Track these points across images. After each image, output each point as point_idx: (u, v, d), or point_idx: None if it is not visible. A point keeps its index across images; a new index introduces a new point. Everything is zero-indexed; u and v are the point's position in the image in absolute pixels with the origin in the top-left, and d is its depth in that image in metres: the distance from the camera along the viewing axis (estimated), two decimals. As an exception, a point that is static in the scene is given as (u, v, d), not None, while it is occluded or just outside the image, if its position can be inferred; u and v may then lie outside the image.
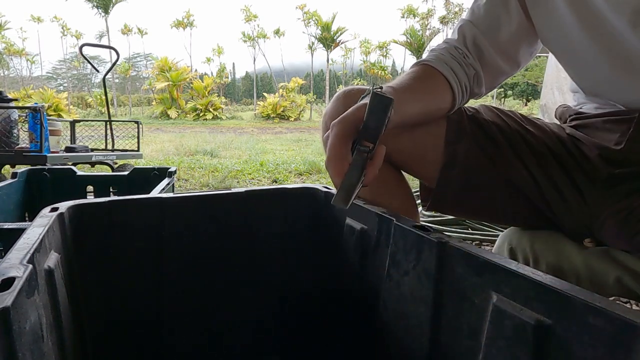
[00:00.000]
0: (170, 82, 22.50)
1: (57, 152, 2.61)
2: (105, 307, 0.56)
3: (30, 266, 0.35)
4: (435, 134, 0.66)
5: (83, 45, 3.08)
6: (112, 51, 3.36)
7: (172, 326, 0.61)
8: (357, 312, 0.58)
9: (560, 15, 0.59)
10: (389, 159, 0.66)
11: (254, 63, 40.56)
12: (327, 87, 33.52)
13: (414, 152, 0.67)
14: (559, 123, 0.73)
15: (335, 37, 32.09)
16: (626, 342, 0.26)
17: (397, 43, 34.86)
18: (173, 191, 1.54)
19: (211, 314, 0.64)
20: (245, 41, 39.57)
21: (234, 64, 72.89)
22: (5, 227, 0.84)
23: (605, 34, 0.55)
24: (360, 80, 37.99)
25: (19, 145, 2.50)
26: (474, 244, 1.39)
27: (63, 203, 0.54)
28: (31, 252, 0.38)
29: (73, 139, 3.22)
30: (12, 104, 2.63)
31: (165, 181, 1.39)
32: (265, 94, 26.43)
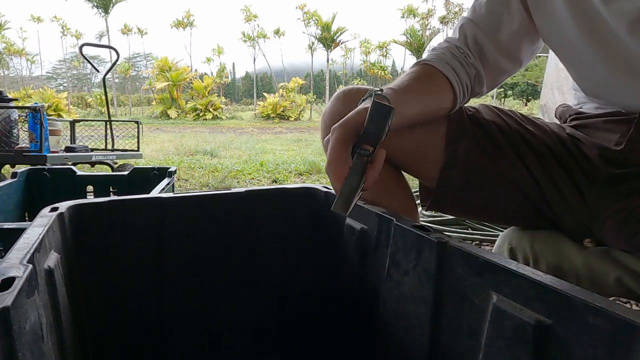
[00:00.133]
0: (170, 82, 22.51)
1: (57, 152, 2.61)
2: (105, 307, 0.56)
3: (30, 266, 0.35)
4: (436, 133, 0.66)
5: (83, 45, 3.08)
6: (112, 51, 3.36)
7: (172, 326, 0.61)
8: (357, 312, 0.58)
9: (560, 16, 0.59)
10: (389, 159, 0.66)
11: (254, 63, 40.57)
12: (327, 87, 33.53)
13: (414, 151, 0.67)
14: (559, 123, 0.73)
15: (335, 37, 32.11)
16: (626, 342, 0.26)
17: (397, 43, 34.91)
18: (173, 191, 1.53)
19: (211, 314, 0.64)
20: (245, 41, 39.59)
21: (234, 64, 72.95)
22: (5, 227, 0.84)
23: (604, 37, 0.55)
24: (360, 80, 37.98)
25: (19, 145, 2.50)
26: (474, 244, 1.39)
27: (63, 203, 0.54)
28: (31, 252, 0.38)
29: (73, 138, 3.22)
30: (12, 103, 2.64)
31: (165, 181, 1.39)
32: (265, 94, 26.44)
